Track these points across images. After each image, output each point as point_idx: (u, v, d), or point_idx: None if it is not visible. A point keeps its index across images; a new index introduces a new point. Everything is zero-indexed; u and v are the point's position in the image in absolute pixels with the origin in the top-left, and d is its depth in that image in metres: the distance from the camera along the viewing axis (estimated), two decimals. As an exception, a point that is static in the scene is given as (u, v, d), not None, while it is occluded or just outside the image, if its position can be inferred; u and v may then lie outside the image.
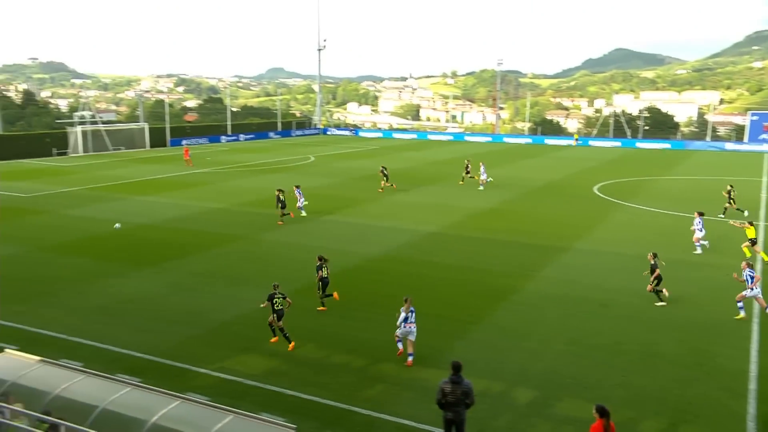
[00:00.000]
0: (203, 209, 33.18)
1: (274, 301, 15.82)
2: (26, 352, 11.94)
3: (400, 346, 15.24)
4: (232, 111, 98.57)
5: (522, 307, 18.44)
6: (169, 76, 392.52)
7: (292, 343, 15.55)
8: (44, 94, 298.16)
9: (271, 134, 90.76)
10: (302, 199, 31.05)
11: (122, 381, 10.66)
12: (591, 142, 79.58)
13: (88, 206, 33.73)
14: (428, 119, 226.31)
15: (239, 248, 25.08)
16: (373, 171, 50.01)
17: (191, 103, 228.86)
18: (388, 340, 15.91)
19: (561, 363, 14.84)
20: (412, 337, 14.86)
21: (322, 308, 18.22)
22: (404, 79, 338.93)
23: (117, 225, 28.57)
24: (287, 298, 15.96)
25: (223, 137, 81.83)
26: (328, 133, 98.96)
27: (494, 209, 33.15)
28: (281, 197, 29.75)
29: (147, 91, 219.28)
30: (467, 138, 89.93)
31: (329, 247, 25.15)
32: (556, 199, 36.28)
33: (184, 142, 75.38)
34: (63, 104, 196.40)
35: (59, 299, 18.88)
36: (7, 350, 11.68)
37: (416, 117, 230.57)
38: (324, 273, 18.08)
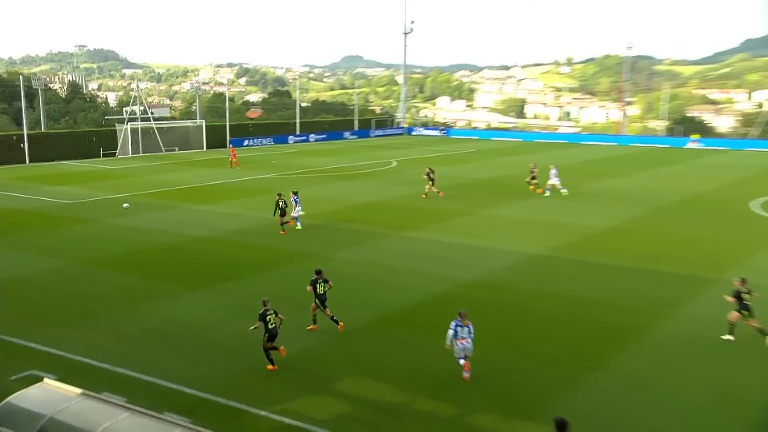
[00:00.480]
0: (267, 221, 34.08)
1: (267, 320, 16.52)
2: (66, 382, 12.51)
3: (463, 365, 16.12)
4: (301, 106, 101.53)
5: (654, 351, 17.77)
6: (230, 65, 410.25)
7: (283, 352, 16.81)
8: (92, 86, 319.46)
9: (347, 134, 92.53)
10: (298, 208, 31.82)
11: (170, 421, 10.94)
12: (747, 148, 75.91)
13: (138, 215, 35.55)
14: (536, 117, 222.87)
15: (308, 267, 25.51)
16: (467, 179, 49.79)
17: (254, 96, 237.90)
18: (481, 386, 15.82)
19: (706, 424, 14.15)
20: (469, 354, 16.12)
21: (312, 327, 19.07)
22: (507, 68, 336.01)
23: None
24: (279, 315, 16.76)
25: (291, 137, 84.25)
26: (414, 133, 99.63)
27: (618, 228, 32.31)
28: (280, 203, 30.96)
29: (205, 83, 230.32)
30: (585, 140, 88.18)
31: (412, 268, 25.16)
32: (701, 216, 35.37)
33: (245, 142, 78.27)
34: (112, 98, 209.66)
35: (103, 322, 19.86)
36: (46, 380, 12.24)
37: (521, 114, 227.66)
38: (320, 289, 18.69)
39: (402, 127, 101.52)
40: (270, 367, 16.70)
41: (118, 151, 66.13)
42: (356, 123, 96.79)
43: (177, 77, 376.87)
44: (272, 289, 22.56)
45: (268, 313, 16.65)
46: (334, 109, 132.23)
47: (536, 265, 25.95)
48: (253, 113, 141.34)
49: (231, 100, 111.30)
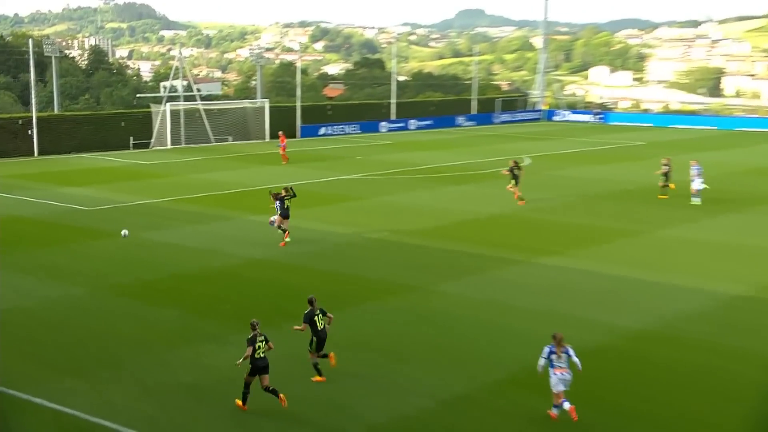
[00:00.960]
0: (348, 239, 34.70)
1: (256, 346, 17.79)
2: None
3: (566, 405, 17.22)
4: (398, 81, 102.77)
5: None
6: (302, 25, 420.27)
7: (284, 401, 17.91)
8: (120, 53, 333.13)
9: (460, 119, 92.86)
10: (277, 217, 33.48)
11: None
12: None
13: (177, 228, 36.82)
14: (738, 95, 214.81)
15: (403, 305, 25.67)
16: (630, 185, 48.96)
17: (335, 68, 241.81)
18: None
19: None
20: (565, 387, 17.32)
21: (319, 378, 19.70)
22: (695, 24, 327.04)
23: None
24: (269, 342, 17.98)
25: (383, 124, 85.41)
26: (556, 118, 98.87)
27: None
28: (286, 201, 33.28)
29: (269, 49, 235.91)
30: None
31: (550, 310, 24.96)
32: None
33: (321, 130, 79.89)
34: (146, 69, 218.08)
35: (128, 371, 20.52)
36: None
37: (715, 91, 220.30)
38: (320, 325, 19.60)
39: (538, 110, 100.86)
40: (239, 402, 18.05)
41: (153, 140, 68.89)
42: (474, 104, 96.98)
43: (231, 41, 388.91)
44: (357, 333, 22.80)
45: (258, 339, 17.82)
46: (444, 85, 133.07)
47: (734, 311, 25.60)
48: (333, 90, 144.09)
49: (304, 72, 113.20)
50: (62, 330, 23.42)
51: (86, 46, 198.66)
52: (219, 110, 74.06)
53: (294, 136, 76.97)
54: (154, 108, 70.19)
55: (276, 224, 33.70)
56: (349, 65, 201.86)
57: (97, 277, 28.89)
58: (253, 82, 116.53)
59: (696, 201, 42.59)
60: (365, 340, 22.46)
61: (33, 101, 65.26)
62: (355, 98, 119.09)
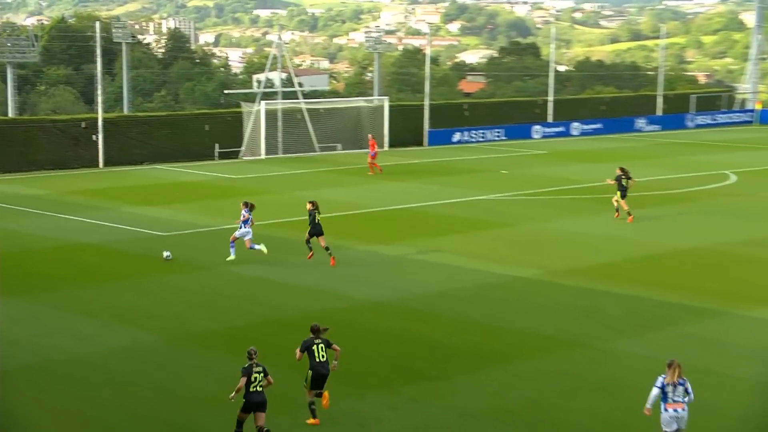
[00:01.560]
0: (489, 278, 34.71)
1: (252, 378, 19.20)
2: None
3: None
4: (557, 72, 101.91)
5: None
6: (433, 2, 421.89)
7: None
8: (205, 38, 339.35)
9: (641, 123, 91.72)
10: (247, 229, 36.51)
11: None
12: None
13: (274, 260, 37.49)
14: None
15: (561, 366, 25.35)
16: None
17: (474, 55, 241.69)
18: None
19: None
20: (682, 426, 18.24)
21: (312, 421, 20.99)
22: None
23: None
24: (269, 376, 19.44)
25: (537, 127, 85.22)
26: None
27: None
28: (317, 216, 36.19)
29: (390, 32, 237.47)
30: None
31: None
32: None
33: (455, 135, 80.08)
34: (235, 58, 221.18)
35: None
36: None
37: None
38: (319, 357, 20.89)
39: (749, 110, 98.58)
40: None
41: (243, 148, 70.33)
42: (659, 102, 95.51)
43: (343, 23, 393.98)
44: (492, 401, 22.72)
45: (255, 369, 19.30)
46: (619, 78, 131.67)
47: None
48: (472, 85, 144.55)
49: (434, 61, 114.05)
50: (129, 388, 23.84)
51: (164, 30, 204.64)
52: (326, 110, 75.08)
53: (420, 144, 77.49)
54: (245, 108, 71.70)
55: (247, 244, 36.04)
56: (492, 52, 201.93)
57: (173, 321, 29.50)
58: (369, 75, 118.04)
59: None
60: (510, 410, 22.36)
61: (99, 99, 67.33)
62: (500, 95, 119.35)
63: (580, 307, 31.03)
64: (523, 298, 32.28)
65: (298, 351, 21.09)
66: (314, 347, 20.88)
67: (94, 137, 65.22)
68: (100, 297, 32.22)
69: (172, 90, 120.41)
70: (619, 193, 44.91)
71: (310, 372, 20.89)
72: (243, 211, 36.71)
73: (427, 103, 78.99)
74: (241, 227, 36.67)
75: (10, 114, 73.81)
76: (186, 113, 78.73)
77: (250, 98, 72.66)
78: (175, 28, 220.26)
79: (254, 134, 70.35)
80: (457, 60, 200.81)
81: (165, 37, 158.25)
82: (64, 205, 49.02)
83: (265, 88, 74.12)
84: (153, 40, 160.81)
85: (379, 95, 78.83)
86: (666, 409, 18.19)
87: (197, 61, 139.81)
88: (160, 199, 52.23)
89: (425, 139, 78.17)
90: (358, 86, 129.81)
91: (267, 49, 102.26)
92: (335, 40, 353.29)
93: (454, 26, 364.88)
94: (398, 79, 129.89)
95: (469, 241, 41.33)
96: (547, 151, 74.78)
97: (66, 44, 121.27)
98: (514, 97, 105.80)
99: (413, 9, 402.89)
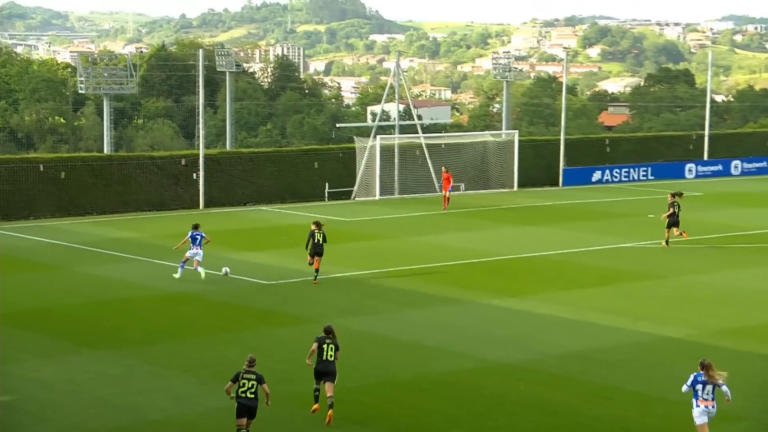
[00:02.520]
0: (637, 338, 34.23)
1: (240, 383, 22.82)
2: None
3: None
4: (714, 103, 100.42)
5: None
6: (569, 23, 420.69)
7: None
8: (315, 66, 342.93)
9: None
10: (197, 249, 41.59)
11: None
12: None
13: (388, 313, 37.43)
14: None
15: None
16: None
17: (617, 84, 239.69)
18: None
19: None
20: (709, 418, 22.12)
21: (316, 406, 25.51)
22: None
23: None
24: (264, 385, 23.01)
25: (690, 166, 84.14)
26: None
27: None
28: (317, 236, 41.57)
29: (521, 59, 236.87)
30: None
31: None
32: None
33: (594, 175, 79.26)
34: (348, 87, 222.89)
35: None
36: None
37: None
38: (327, 355, 25.49)
39: None
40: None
41: (356, 187, 70.64)
42: None
43: (468, 48, 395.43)
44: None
45: (246, 376, 22.97)
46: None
47: None
48: (614, 117, 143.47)
49: (571, 90, 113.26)
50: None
51: (271, 58, 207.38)
52: (448, 146, 75.10)
53: (554, 184, 77.03)
54: (358, 143, 72.19)
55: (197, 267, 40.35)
56: (638, 80, 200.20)
57: (274, 380, 29.52)
58: (497, 106, 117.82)
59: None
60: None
61: (200, 133, 68.18)
62: (647, 128, 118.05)
63: (743, 373, 30.13)
64: (674, 363, 31.23)
65: (315, 344, 25.69)
66: (325, 345, 25.41)
67: (194, 175, 66.27)
68: (197, 352, 32.48)
69: (279, 123, 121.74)
70: (669, 209, 45.88)
71: (316, 369, 25.51)
72: (190, 235, 41.58)
73: (562, 137, 78.57)
74: (192, 248, 41.52)
75: (106, 150, 75.32)
76: (293, 149, 79.57)
77: (364, 132, 73.09)
78: (283, 55, 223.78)
79: (368, 172, 70.79)
80: (597, 89, 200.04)
81: (272, 65, 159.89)
82: (161, 250, 49.50)
83: (380, 121, 74.36)
84: (259, 68, 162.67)
85: (507, 129, 78.68)
86: (698, 405, 22.22)
87: (306, 91, 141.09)
88: (264, 243, 52.68)
89: (560, 179, 77.76)
90: (484, 119, 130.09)
91: (383, 77, 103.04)
92: (459, 68, 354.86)
93: (594, 51, 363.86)
94: (530, 111, 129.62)
95: (612, 295, 40.90)
96: (703, 192, 73.65)
97: (166, 74, 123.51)
98: (664, 131, 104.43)
99: (547, 32, 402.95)
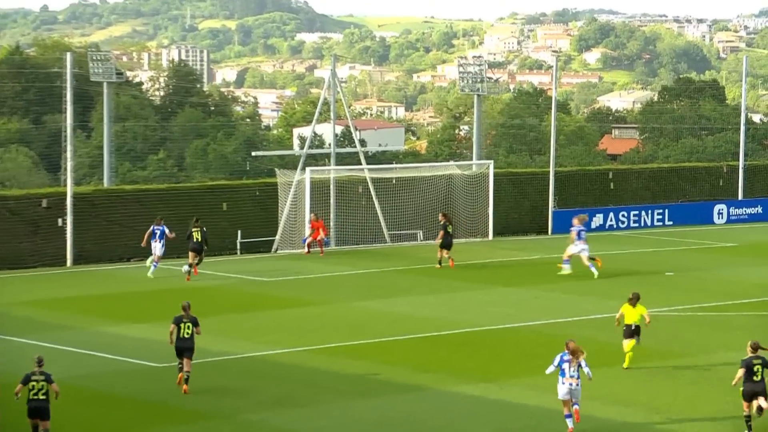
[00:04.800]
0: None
1: (30, 385, 29.77)
2: None
3: (569, 423, 31.94)
4: (752, 124, 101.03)
5: None
6: (566, 18, 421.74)
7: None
8: (224, 75, 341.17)
9: None
10: (156, 244, 49.62)
11: None
12: None
13: (302, 401, 37.41)
14: None
15: None
16: None
17: (621, 100, 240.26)
18: None
19: None
20: (575, 398, 32.00)
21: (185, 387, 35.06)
22: None
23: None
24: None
25: (720, 207, 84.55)
26: None
27: None
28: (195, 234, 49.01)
29: (495, 65, 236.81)
30: None
31: None
32: None
33: (596, 218, 79.58)
34: (267, 103, 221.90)
35: None
36: None
37: None
38: (184, 332, 36.47)
39: None
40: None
41: (278, 237, 70.69)
42: None
43: (426, 52, 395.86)
44: None
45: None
46: None
47: None
48: (620, 143, 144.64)
49: (563, 108, 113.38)
50: None
51: (164, 64, 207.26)
52: (400, 181, 75.22)
53: (542, 231, 77.49)
54: (281, 177, 72.02)
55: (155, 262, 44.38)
56: (650, 94, 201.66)
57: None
58: (466, 128, 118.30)
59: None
60: None
61: (68, 165, 67.72)
62: (663, 158, 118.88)
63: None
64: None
65: (172, 326, 35.92)
66: (182, 324, 34.82)
67: (60, 221, 65.90)
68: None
69: (176, 151, 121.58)
70: None
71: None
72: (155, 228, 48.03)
73: (552, 169, 78.99)
74: (155, 244, 47.89)
75: (-62, 187, 74.77)
76: (195, 185, 79.56)
77: (290, 163, 73.13)
78: (181, 60, 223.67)
79: (294, 216, 70.74)
80: (597, 106, 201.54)
81: (165, 74, 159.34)
82: (14, 323, 49.27)
83: (311, 147, 74.43)
84: (148, 78, 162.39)
85: (479, 158, 78.95)
86: (561, 383, 31.33)
87: (212, 108, 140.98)
88: (154, 313, 52.02)
89: (549, 224, 78.26)
90: (449, 145, 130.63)
91: (314, 90, 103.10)
92: (415, 78, 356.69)
93: (593, 56, 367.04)
94: (509, 135, 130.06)
95: (618, 378, 41.12)
96: (738, 243, 74.42)
97: (21, 85, 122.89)
98: (685, 161, 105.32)
99: (532, 31, 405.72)
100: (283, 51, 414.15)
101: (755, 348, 31.52)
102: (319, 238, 67.15)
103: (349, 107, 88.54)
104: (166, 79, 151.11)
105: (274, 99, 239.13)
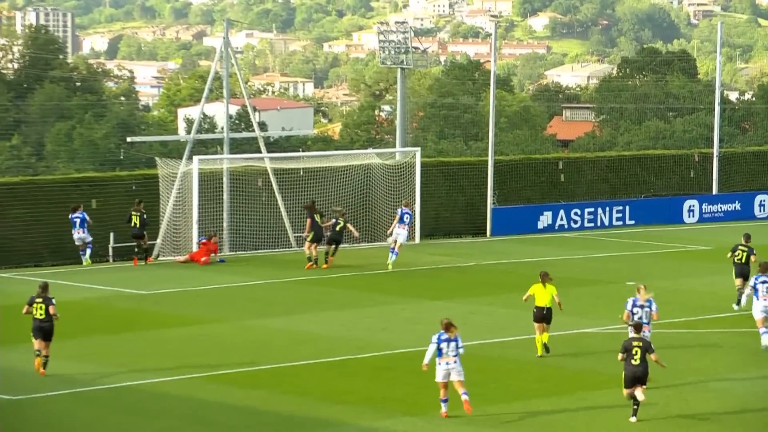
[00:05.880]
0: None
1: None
2: None
3: (444, 407, 37.45)
4: (728, 102, 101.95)
5: None
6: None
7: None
8: (92, 42, 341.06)
9: None
10: (81, 234, 53.90)
11: None
12: None
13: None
14: None
15: None
16: None
17: (574, 75, 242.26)
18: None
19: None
20: (457, 377, 36.68)
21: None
22: None
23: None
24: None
25: (691, 203, 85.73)
26: None
27: None
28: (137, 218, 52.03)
29: (422, 33, 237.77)
30: None
31: None
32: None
33: (544, 217, 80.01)
34: (146, 78, 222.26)
35: None
36: None
37: None
38: (38, 313, 38.43)
39: None
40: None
41: (159, 241, 70.40)
42: None
43: (339, 16, 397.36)
44: None
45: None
46: None
47: None
48: (572, 126, 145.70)
49: (504, 84, 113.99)
50: None
51: (18, 29, 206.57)
52: (308, 172, 75.30)
53: (479, 232, 77.97)
54: (163, 168, 71.96)
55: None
56: (608, 67, 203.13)
57: None
58: (388, 109, 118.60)
59: None
60: None
61: None
62: (623, 144, 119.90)
63: None
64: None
65: (26, 306, 41.15)
66: (35, 305, 40.16)
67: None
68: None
69: (33, 136, 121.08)
70: None
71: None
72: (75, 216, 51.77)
73: (491, 158, 79.33)
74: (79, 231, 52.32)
75: None
76: (57, 178, 79.19)
77: (174, 151, 72.82)
78: (39, 26, 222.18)
79: (180, 215, 70.69)
80: (545, 81, 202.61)
81: (20, 42, 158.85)
82: None
83: (200, 132, 74.35)
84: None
85: (404, 145, 79.22)
86: (440, 364, 35.36)
87: (78, 84, 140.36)
88: (7, 335, 51.82)
89: (488, 224, 78.58)
90: (367, 128, 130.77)
91: (204, 62, 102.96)
92: (327, 47, 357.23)
93: (540, 21, 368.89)
94: (439, 116, 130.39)
95: (567, 407, 41.09)
96: (712, 246, 75.15)
97: None
98: (650, 148, 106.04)
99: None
100: (165, 15, 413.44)
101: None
102: (202, 259, 67.20)
103: (246, 83, 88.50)
104: (20, 48, 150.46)
105: (154, 73, 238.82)
